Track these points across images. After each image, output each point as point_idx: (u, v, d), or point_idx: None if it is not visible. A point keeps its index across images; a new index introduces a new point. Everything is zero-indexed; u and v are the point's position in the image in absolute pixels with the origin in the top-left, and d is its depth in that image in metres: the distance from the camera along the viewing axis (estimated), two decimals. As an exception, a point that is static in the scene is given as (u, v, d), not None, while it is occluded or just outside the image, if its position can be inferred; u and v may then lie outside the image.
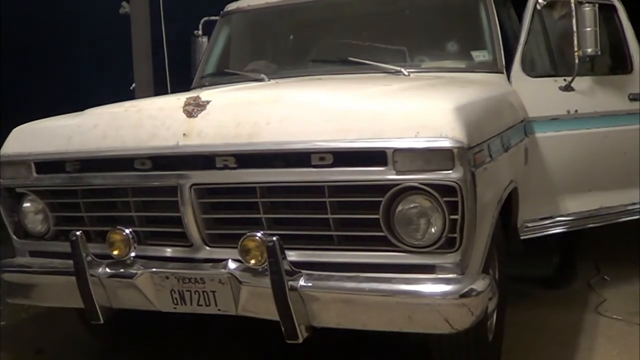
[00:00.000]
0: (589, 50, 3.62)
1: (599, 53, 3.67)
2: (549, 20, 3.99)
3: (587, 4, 3.63)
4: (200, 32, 4.66)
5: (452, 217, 2.39)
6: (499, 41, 3.70)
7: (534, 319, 3.76)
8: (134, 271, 2.75)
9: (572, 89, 3.83)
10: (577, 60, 3.67)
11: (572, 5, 3.63)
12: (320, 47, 4.10)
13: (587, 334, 3.57)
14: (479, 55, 3.72)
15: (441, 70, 3.68)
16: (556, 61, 4.02)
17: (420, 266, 2.47)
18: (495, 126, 2.88)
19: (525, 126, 3.56)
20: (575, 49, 3.65)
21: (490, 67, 3.66)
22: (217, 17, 4.52)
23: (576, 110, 3.88)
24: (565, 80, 3.82)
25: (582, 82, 3.85)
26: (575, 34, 3.63)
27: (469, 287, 2.39)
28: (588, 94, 3.96)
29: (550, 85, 3.84)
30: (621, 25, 4.19)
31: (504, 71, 3.66)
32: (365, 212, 2.49)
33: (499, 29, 3.74)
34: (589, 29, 3.62)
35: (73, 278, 2.79)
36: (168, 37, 5.14)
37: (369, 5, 4.09)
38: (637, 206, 4.30)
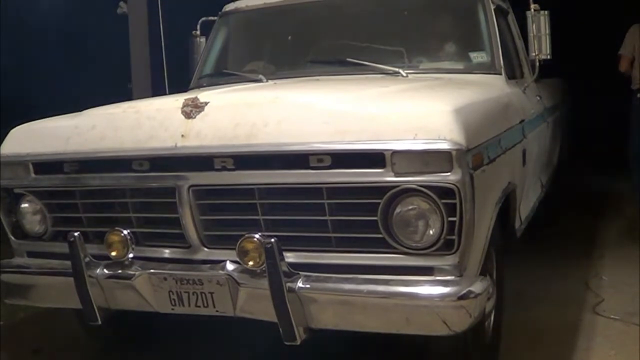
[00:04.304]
0: (543, 54, 3.76)
1: (550, 57, 3.80)
2: (503, 24, 4.08)
3: (541, 11, 3.75)
4: (198, 32, 4.64)
5: (450, 219, 2.39)
6: (497, 42, 3.71)
7: (532, 319, 3.76)
8: (132, 272, 2.75)
9: (525, 92, 4.00)
10: (537, 64, 3.78)
11: (532, 11, 3.73)
12: (319, 47, 4.09)
13: (585, 334, 3.58)
14: (477, 57, 3.72)
15: (439, 71, 3.68)
16: (512, 64, 4.14)
17: (418, 268, 2.47)
18: (494, 128, 2.88)
19: (524, 127, 3.56)
20: (535, 52, 3.75)
21: (488, 69, 3.67)
22: (215, 18, 4.51)
23: (532, 111, 4.03)
24: (517, 82, 3.96)
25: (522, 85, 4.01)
26: (535, 39, 3.74)
27: (467, 289, 2.40)
28: (532, 96, 4.18)
29: (519, 87, 3.93)
30: (511, 31, 4.30)
31: (502, 72, 3.66)
32: (363, 214, 2.49)
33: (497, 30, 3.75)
34: (543, 34, 3.75)
35: (71, 279, 2.79)
36: (166, 37, 5.12)
37: (368, 6, 4.09)
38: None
